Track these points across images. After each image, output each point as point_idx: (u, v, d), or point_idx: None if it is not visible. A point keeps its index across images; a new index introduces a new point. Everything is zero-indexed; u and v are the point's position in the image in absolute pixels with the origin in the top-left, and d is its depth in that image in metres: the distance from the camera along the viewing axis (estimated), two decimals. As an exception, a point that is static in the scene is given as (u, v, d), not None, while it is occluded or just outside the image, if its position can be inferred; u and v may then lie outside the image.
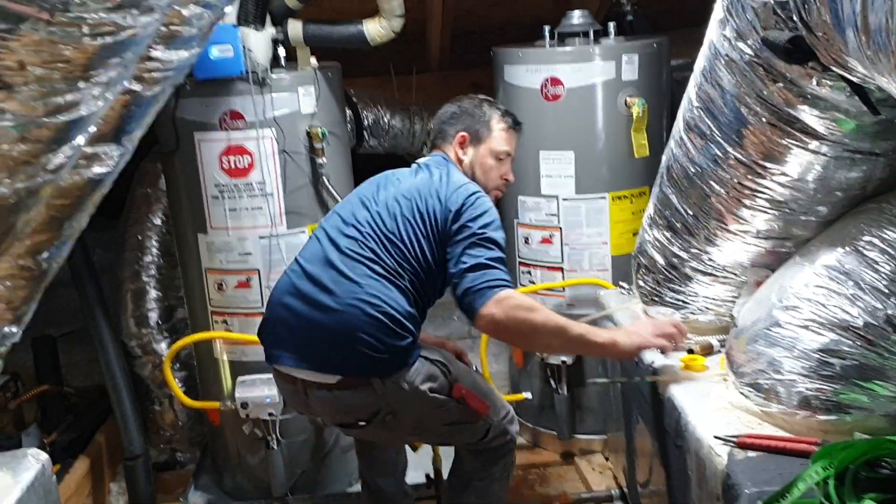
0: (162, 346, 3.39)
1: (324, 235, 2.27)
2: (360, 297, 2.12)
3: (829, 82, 1.59)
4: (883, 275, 1.69)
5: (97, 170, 1.45)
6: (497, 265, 2.12)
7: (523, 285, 3.28)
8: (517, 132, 2.45)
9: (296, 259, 2.29)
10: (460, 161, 2.40)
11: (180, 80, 1.49)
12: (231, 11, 2.46)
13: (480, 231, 2.15)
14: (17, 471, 1.78)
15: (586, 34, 3.02)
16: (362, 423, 2.22)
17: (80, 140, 1.08)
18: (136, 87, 1.35)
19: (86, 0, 0.85)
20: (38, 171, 1.03)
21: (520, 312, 2.08)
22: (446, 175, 2.27)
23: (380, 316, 2.11)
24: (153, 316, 3.42)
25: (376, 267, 2.16)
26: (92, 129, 1.12)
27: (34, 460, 1.83)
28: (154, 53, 1.32)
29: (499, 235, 2.18)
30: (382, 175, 2.41)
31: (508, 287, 2.10)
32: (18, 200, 1.06)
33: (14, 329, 1.57)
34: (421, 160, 2.41)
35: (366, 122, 4.01)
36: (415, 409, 2.20)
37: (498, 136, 2.40)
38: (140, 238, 3.52)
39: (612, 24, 3.05)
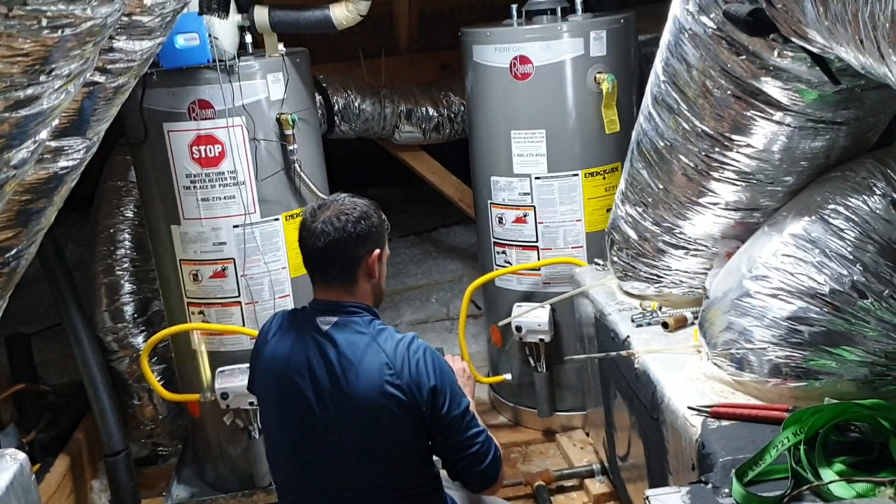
0: (138, 340, 3.36)
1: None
2: None
3: (790, 53, 1.61)
4: (848, 241, 1.73)
5: (63, 163, 1.44)
6: (486, 432, 1.94)
7: (499, 266, 3.30)
8: None
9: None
10: (367, 289, 1.91)
11: (144, 71, 1.49)
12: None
13: (464, 411, 1.87)
14: (-4, 470, 1.77)
15: (553, 11, 3.02)
16: None
17: (43, 134, 1.08)
18: (100, 78, 1.34)
19: (44, -8, 0.85)
20: (1, 168, 1.03)
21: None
22: (392, 350, 1.82)
23: None
24: (128, 310, 3.39)
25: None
26: (55, 122, 1.11)
27: (12, 460, 1.81)
28: (116, 44, 1.31)
29: (465, 399, 1.91)
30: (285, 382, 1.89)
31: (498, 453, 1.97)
32: (-17, 197, 1.06)
33: (-14, 328, 1.56)
34: (327, 327, 1.85)
35: (336, 108, 4.00)
36: None
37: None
38: (112, 231, 3.49)
39: (578, 1, 3.05)
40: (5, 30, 0.92)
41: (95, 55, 1.10)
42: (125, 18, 1.26)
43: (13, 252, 1.41)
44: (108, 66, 1.32)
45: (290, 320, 1.95)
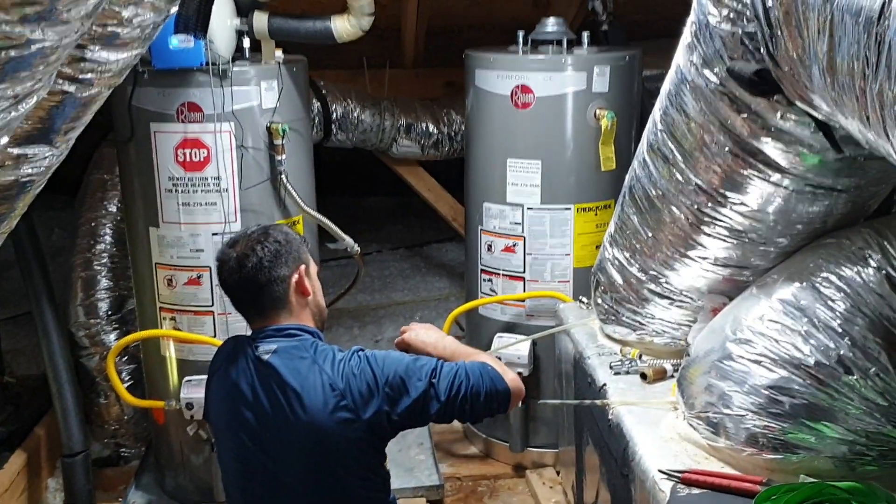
0: (111, 338, 3.30)
1: None
2: None
3: (793, 117, 1.56)
4: (837, 313, 1.66)
5: (27, 170, 1.37)
6: (463, 368, 1.85)
7: (484, 293, 3.23)
8: None
9: None
10: (306, 308, 1.88)
11: (119, 81, 1.43)
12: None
13: (429, 378, 1.80)
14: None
15: (559, 42, 2.97)
16: None
17: (-12, 152, 1.02)
18: (69, 87, 1.28)
19: (-14, 13, 0.79)
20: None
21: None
22: (333, 369, 1.78)
23: None
24: (103, 306, 3.33)
25: None
26: (3, 139, 1.05)
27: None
28: (89, 54, 1.25)
29: (426, 366, 1.84)
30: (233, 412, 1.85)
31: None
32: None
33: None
34: (267, 356, 1.80)
35: (334, 116, 3.95)
36: None
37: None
38: (93, 225, 3.43)
39: (585, 34, 3.00)
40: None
41: (51, 76, 1.04)
42: (98, 29, 1.20)
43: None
44: (80, 76, 1.26)
45: (236, 348, 1.90)
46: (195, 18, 1.73)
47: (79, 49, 1.21)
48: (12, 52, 0.86)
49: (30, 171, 1.37)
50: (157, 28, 1.37)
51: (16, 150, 1.29)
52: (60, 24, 0.89)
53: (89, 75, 1.27)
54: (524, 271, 3.13)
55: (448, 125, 4.20)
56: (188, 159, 2.69)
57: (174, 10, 1.40)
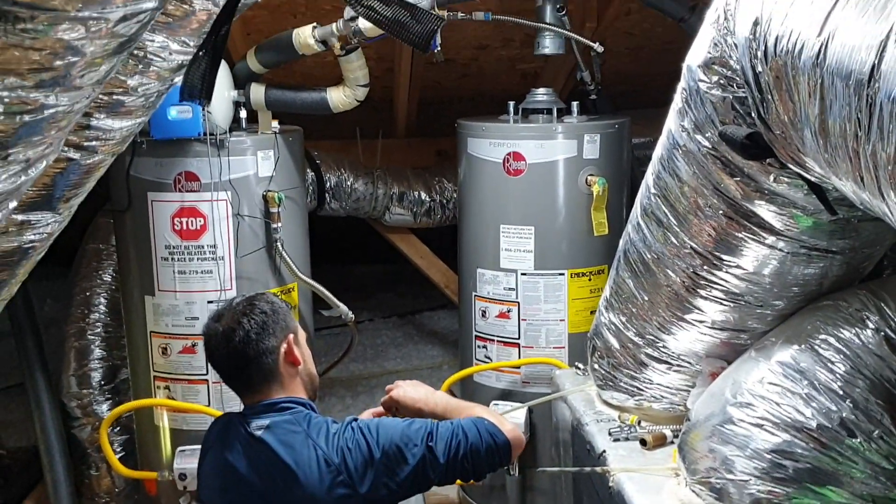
0: (103, 408, 3.27)
1: None
2: None
3: (786, 179, 1.58)
4: (838, 375, 1.66)
5: (29, 237, 1.38)
6: (459, 426, 1.87)
7: (478, 360, 3.22)
8: None
9: None
10: (297, 379, 1.86)
11: (122, 149, 1.44)
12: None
13: (425, 442, 1.79)
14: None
15: (550, 111, 3.03)
16: None
17: (-2, 217, 1.03)
18: (74, 154, 1.29)
19: (1, 77, 0.81)
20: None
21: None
22: (327, 444, 1.75)
23: None
24: (96, 376, 3.31)
25: None
26: (12, 204, 1.06)
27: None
28: (94, 122, 1.27)
29: (420, 430, 1.83)
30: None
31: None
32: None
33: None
34: (259, 432, 1.77)
35: (328, 185, 3.99)
36: None
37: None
38: (88, 294, 3.43)
39: (575, 104, 3.07)
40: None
41: (60, 141, 1.05)
42: (104, 97, 1.23)
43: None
44: (85, 143, 1.28)
45: (228, 425, 1.87)
46: (200, 86, 1.77)
47: (85, 117, 1.23)
48: (26, 118, 0.87)
49: (32, 237, 1.38)
50: (160, 97, 1.40)
51: (20, 217, 1.30)
52: (73, 89, 0.91)
53: (94, 143, 1.29)
54: (519, 337, 3.13)
55: (440, 193, 4.25)
56: (185, 228, 2.70)
57: (178, 79, 1.43)
